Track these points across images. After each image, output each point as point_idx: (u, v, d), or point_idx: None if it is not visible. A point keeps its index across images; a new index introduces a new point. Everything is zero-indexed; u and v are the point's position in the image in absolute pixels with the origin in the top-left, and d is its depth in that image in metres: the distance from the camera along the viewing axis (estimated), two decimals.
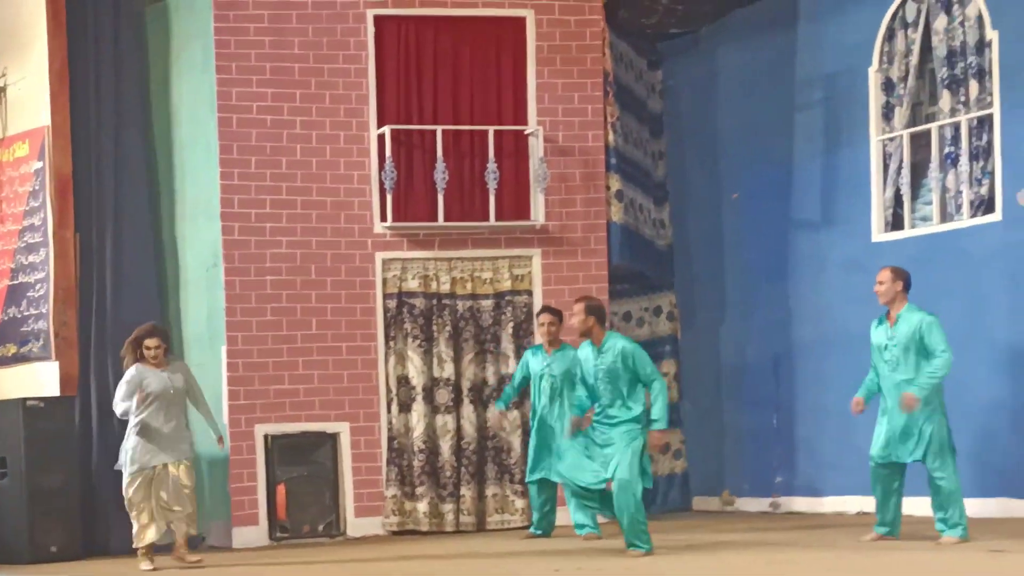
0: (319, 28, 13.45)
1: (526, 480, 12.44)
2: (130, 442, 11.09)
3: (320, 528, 13.08)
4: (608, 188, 14.02)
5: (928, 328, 10.15)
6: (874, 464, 10.39)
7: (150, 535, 11.07)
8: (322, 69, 13.46)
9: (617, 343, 10.31)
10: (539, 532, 12.21)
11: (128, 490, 11.06)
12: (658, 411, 10.09)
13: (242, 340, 13.09)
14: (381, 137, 13.45)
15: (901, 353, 10.21)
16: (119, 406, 11.21)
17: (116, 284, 13.38)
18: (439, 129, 13.52)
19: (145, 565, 11.03)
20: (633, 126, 14.65)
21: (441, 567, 10.20)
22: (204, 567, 11.02)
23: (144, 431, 11.05)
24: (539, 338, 12.49)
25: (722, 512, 14.55)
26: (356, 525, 13.22)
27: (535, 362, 12.24)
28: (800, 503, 14.08)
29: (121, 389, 11.19)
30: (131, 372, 11.16)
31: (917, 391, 10.04)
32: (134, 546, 11.17)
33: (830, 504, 13.75)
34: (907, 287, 10.38)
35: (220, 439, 11.44)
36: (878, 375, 10.53)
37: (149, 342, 11.15)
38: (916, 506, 11.56)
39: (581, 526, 11.71)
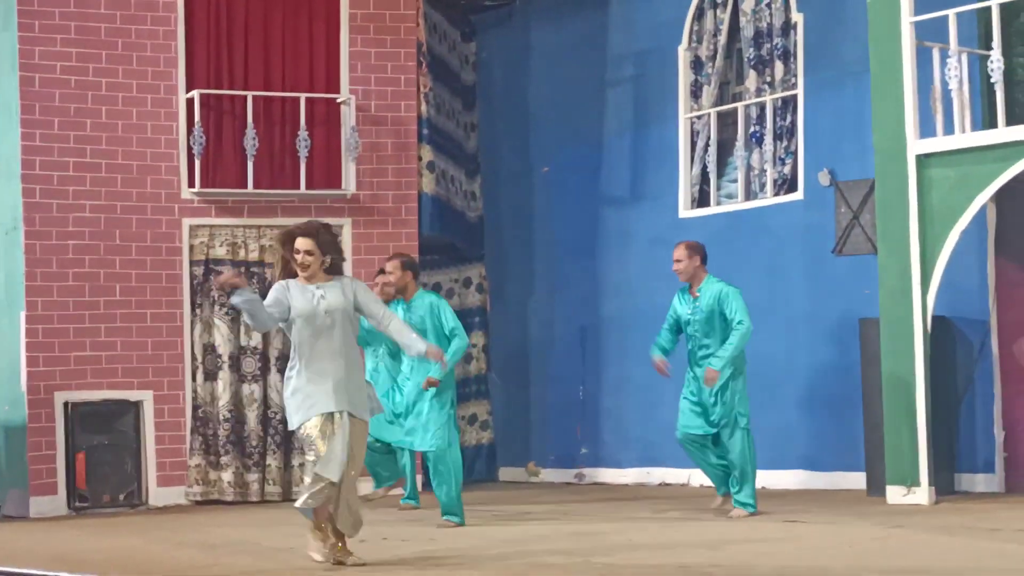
0: None
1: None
2: None
3: (121, 498, 12.85)
4: (420, 159, 14.01)
5: (727, 299, 10.27)
6: (680, 437, 10.43)
7: None
8: (129, 30, 13.18)
9: (426, 299, 10.34)
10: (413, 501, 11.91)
11: None
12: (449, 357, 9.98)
13: (42, 305, 12.78)
14: (190, 101, 13.23)
15: (704, 325, 10.32)
16: None
17: None
18: (250, 95, 13.36)
19: None
20: (446, 97, 14.65)
21: (245, 535, 10.10)
22: None
23: None
24: None
25: (528, 483, 14.68)
26: (158, 494, 13.02)
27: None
28: (604, 474, 14.27)
29: None
30: None
31: (717, 362, 10.16)
32: None
33: (633, 475, 13.97)
34: (704, 260, 10.43)
35: None
36: (672, 336, 10.57)
37: None
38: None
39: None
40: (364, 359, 10.69)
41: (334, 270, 7.92)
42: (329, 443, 7.69)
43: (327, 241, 7.87)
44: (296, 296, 7.83)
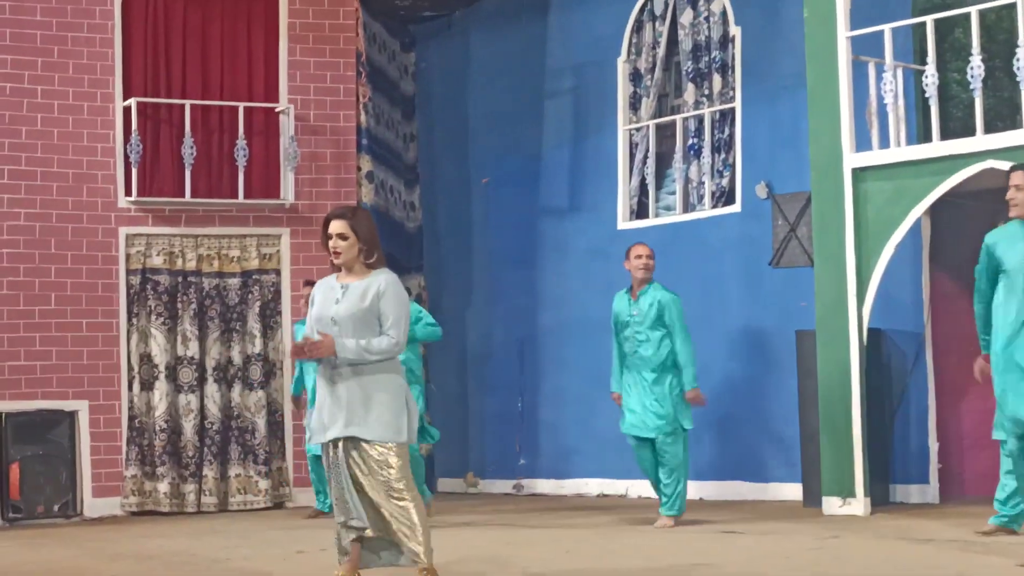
0: None
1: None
2: None
3: (55, 508, 12.73)
4: (359, 169, 13.99)
5: (668, 306, 10.36)
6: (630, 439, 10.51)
7: None
8: (66, 37, 13.09)
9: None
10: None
11: None
12: None
13: None
14: (127, 109, 13.15)
15: (645, 329, 10.38)
16: None
17: None
18: (187, 103, 13.30)
19: None
20: (385, 107, 14.64)
21: (181, 546, 10.04)
22: None
23: None
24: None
25: (466, 494, 14.67)
26: (94, 505, 12.92)
27: None
28: (543, 485, 14.29)
29: None
30: None
31: (693, 381, 10.28)
32: None
33: (572, 486, 13.99)
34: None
35: None
36: (622, 352, 10.61)
37: None
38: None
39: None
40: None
41: (377, 263, 6.95)
42: (334, 483, 6.93)
43: (364, 226, 6.91)
44: (318, 298, 6.97)
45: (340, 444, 6.84)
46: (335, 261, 6.93)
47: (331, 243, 6.90)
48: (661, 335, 10.38)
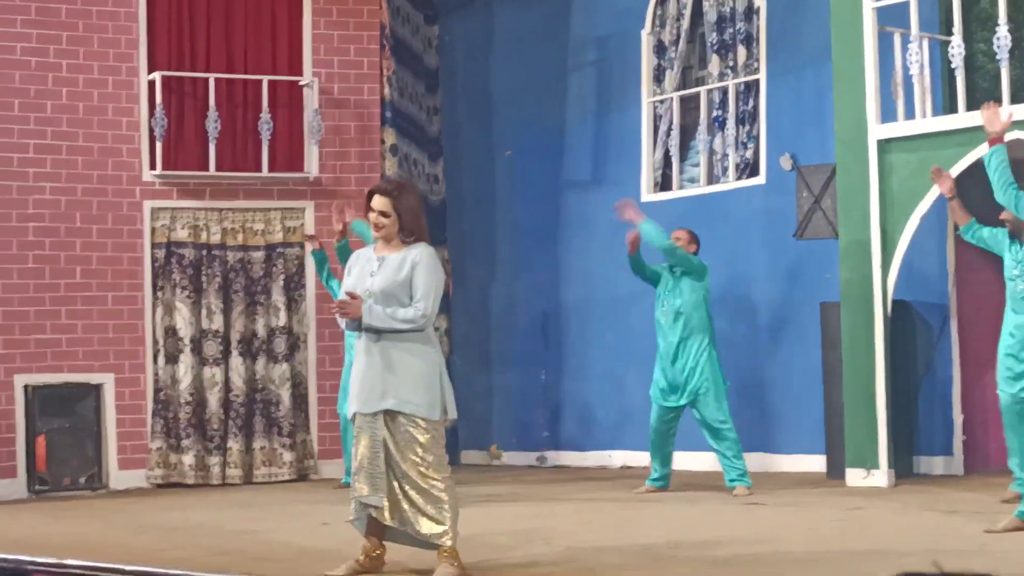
0: None
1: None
2: None
3: (81, 481, 12.80)
4: (383, 142, 13.98)
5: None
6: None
7: None
8: (90, 11, 13.10)
9: None
10: None
11: None
12: None
13: (2, 288, 12.71)
14: (152, 83, 13.17)
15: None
16: None
17: None
18: (212, 77, 13.31)
19: None
20: (409, 80, 14.62)
21: (205, 518, 10.09)
22: None
23: None
24: None
25: (489, 466, 14.70)
26: (119, 478, 12.98)
27: None
28: (566, 457, 14.31)
29: None
30: None
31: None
32: None
33: (594, 458, 14.01)
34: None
35: None
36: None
37: None
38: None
39: None
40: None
41: (416, 237, 6.84)
42: (356, 454, 6.84)
43: (408, 204, 6.80)
44: (355, 269, 6.89)
45: (378, 417, 6.79)
46: (375, 235, 6.87)
47: (372, 217, 6.83)
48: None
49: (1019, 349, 8.59)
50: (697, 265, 10.84)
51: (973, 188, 11.40)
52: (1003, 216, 8.89)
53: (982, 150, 10.27)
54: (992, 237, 9.07)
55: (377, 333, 6.78)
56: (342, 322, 7.03)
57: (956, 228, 9.55)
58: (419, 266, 6.79)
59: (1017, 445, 8.81)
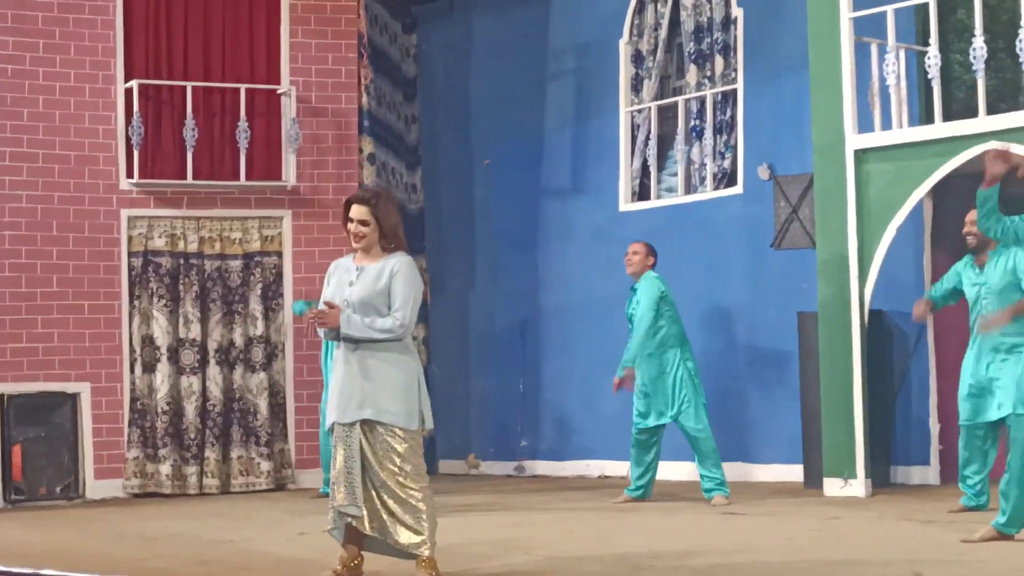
0: None
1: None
2: None
3: (57, 490, 12.76)
4: (361, 151, 13.98)
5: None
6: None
7: None
8: (67, 19, 13.08)
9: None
10: None
11: None
12: None
13: None
14: (129, 91, 13.14)
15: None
16: None
17: None
18: (189, 85, 13.29)
19: None
20: (387, 89, 14.62)
21: (183, 528, 10.05)
22: None
23: None
24: None
25: (468, 475, 14.68)
26: (96, 487, 12.93)
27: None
28: (544, 467, 14.30)
29: None
30: None
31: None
32: None
33: (573, 468, 14.01)
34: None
35: None
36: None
37: None
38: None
39: None
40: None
41: (396, 249, 6.84)
42: (335, 463, 6.84)
43: (386, 212, 6.80)
44: (333, 279, 6.90)
45: (355, 426, 6.79)
46: (355, 245, 6.85)
47: (351, 227, 6.81)
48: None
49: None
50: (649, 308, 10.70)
51: (951, 196, 11.47)
52: (968, 230, 8.97)
53: (958, 160, 10.36)
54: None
55: (355, 343, 6.79)
56: (321, 331, 7.01)
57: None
58: (397, 275, 6.78)
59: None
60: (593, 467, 13.79)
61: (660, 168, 13.74)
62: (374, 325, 6.76)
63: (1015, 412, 7.86)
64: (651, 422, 10.76)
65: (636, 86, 13.89)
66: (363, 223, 6.80)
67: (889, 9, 10.78)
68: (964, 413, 9.32)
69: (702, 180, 13.32)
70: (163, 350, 13.15)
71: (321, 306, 6.86)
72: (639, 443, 10.84)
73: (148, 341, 13.18)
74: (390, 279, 6.78)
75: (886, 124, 10.92)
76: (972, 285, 9.24)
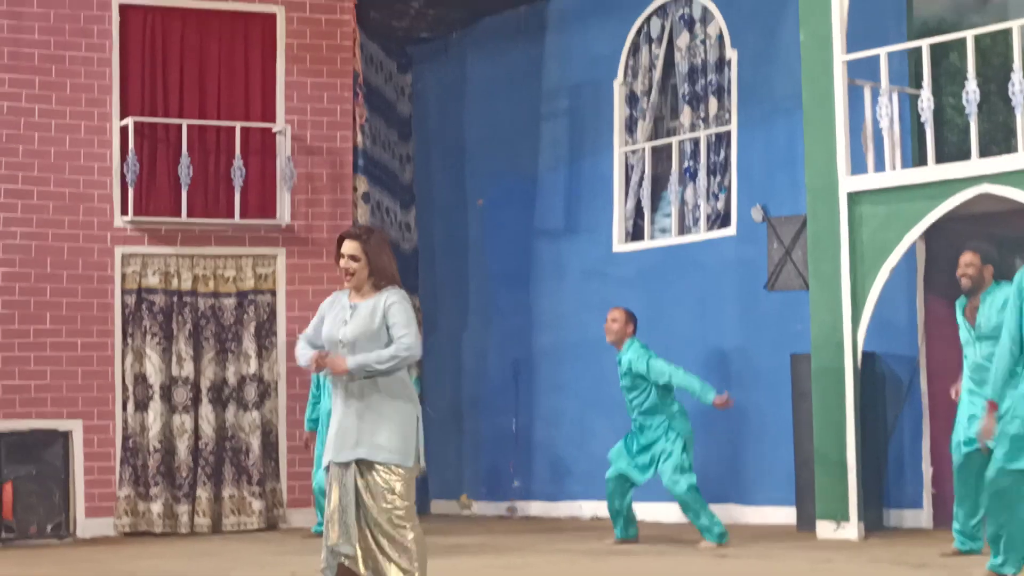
0: (61, 14, 13.11)
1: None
2: None
3: (48, 529, 12.68)
4: (355, 189, 13.99)
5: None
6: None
7: None
8: (64, 56, 13.11)
9: None
10: None
11: None
12: None
13: None
14: (124, 129, 13.17)
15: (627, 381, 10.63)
16: None
17: None
18: (184, 123, 13.31)
19: None
20: (381, 128, 14.66)
21: (174, 567, 10.02)
22: None
23: None
24: None
25: (459, 516, 14.64)
26: (86, 526, 12.89)
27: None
28: (536, 507, 14.26)
29: None
30: None
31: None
32: None
33: (565, 509, 13.97)
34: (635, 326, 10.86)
35: None
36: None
37: None
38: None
39: None
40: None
41: (386, 282, 6.82)
42: (329, 502, 6.78)
43: (376, 249, 6.79)
44: (328, 315, 6.86)
45: (351, 466, 6.75)
46: (345, 283, 6.83)
47: (342, 262, 6.80)
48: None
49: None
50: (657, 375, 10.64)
51: (944, 238, 11.49)
52: (961, 272, 8.99)
53: (951, 203, 10.38)
54: None
55: (367, 376, 6.74)
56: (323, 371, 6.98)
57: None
58: (392, 307, 6.75)
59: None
60: (586, 508, 13.75)
61: (654, 209, 13.77)
62: (382, 358, 6.73)
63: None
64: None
65: (630, 127, 13.93)
66: (353, 258, 6.78)
67: (882, 52, 10.83)
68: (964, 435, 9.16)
69: (696, 221, 13.34)
70: (156, 388, 13.13)
71: (313, 337, 6.86)
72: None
73: (141, 379, 13.16)
74: (384, 315, 6.73)
75: (879, 166, 10.96)
76: (966, 330, 9.24)
